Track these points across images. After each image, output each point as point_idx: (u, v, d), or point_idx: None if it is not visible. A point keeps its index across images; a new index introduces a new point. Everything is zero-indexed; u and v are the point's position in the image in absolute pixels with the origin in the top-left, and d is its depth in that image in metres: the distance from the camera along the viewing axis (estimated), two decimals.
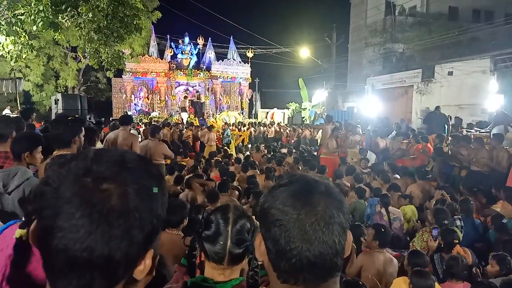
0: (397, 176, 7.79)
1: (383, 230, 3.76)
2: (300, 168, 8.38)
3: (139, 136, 11.33)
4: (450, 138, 9.61)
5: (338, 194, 0.86)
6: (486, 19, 24.27)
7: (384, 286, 3.47)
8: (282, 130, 19.85)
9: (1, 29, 7.92)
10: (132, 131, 7.62)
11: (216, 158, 10.08)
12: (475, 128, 11.79)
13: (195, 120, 19.35)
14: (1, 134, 3.01)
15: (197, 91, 23.23)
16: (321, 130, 11.77)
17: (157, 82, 24.32)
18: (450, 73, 17.84)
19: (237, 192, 6.13)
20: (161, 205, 0.71)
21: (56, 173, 0.65)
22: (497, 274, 3.53)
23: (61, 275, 0.63)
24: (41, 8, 7.61)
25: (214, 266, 1.41)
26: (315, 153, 12.38)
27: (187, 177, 7.32)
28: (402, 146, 10.32)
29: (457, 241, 3.88)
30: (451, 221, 4.48)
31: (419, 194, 6.59)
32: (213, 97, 25.48)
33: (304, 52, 27.40)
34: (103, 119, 14.03)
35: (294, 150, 12.67)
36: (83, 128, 2.84)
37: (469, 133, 11.06)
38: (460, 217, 4.71)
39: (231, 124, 20.03)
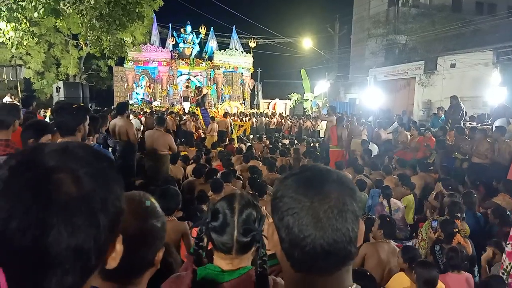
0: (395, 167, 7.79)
1: (388, 220, 3.79)
2: (303, 159, 8.39)
3: (141, 126, 11.32)
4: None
5: (350, 183, 0.86)
6: (489, 11, 24.18)
7: (388, 275, 3.50)
8: (283, 121, 19.83)
9: (2, 15, 7.85)
10: (133, 121, 7.67)
11: (219, 148, 10.11)
12: (471, 122, 11.69)
13: (197, 110, 19.31)
14: (2, 121, 3.01)
15: (199, 87, 23.04)
16: (323, 122, 11.76)
17: (159, 71, 24.20)
18: (453, 66, 17.78)
19: (240, 182, 6.14)
20: (119, 186, 0.68)
21: None
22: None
23: (28, 278, 0.58)
24: None
25: (222, 256, 1.41)
26: (316, 144, 12.40)
27: (189, 166, 7.37)
28: (404, 139, 10.30)
29: (457, 230, 3.90)
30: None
31: (420, 186, 6.61)
32: (215, 87, 25.40)
33: (307, 43, 27.27)
34: (106, 108, 13.99)
35: (296, 141, 12.68)
36: (87, 117, 2.84)
37: (471, 126, 11.05)
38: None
39: (233, 114, 20.03)
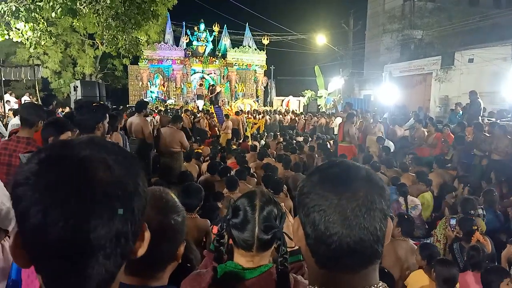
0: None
1: (406, 217, 3.75)
2: (317, 156, 8.35)
3: (157, 124, 11.38)
4: None
5: (380, 180, 0.84)
6: (507, 5, 23.57)
7: (406, 273, 3.46)
8: (297, 118, 19.75)
9: (20, 15, 7.99)
10: (147, 119, 7.78)
11: (233, 146, 10.13)
12: (489, 118, 11.45)
13: (211, 107, 19.38)
14: (26, 119, 3.03)
15: (212, 85, 23.06)
16: (338, 119, 11.69)
17: (172, 70, 24.37)
18: (471, 60, 17.45)
19: (254, 180, 6.13)
20: (143, 173, 0.70)
21: (25, 171, 0.60)
22: None
23: (68, 268, 0.59)
24: None
25: (243, 253, 1.40)
26: (331, 142, 12.33)
27: (204, 164, 7.39)
28: (421, 135, 10.14)
29: (476, 228, 3.84)
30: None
31: (437, 183, 6.50)
32: (228, 85, 25.44)
33: (321, 39, 27.04)
34: (121, 107, 14.14)
35: (310, 138, 12.62)
36: (107, 115, 2.87)
37: (489, 121, 10.82)
38: (482, 206, 4.65)
39: (246, 112, 20.01)
